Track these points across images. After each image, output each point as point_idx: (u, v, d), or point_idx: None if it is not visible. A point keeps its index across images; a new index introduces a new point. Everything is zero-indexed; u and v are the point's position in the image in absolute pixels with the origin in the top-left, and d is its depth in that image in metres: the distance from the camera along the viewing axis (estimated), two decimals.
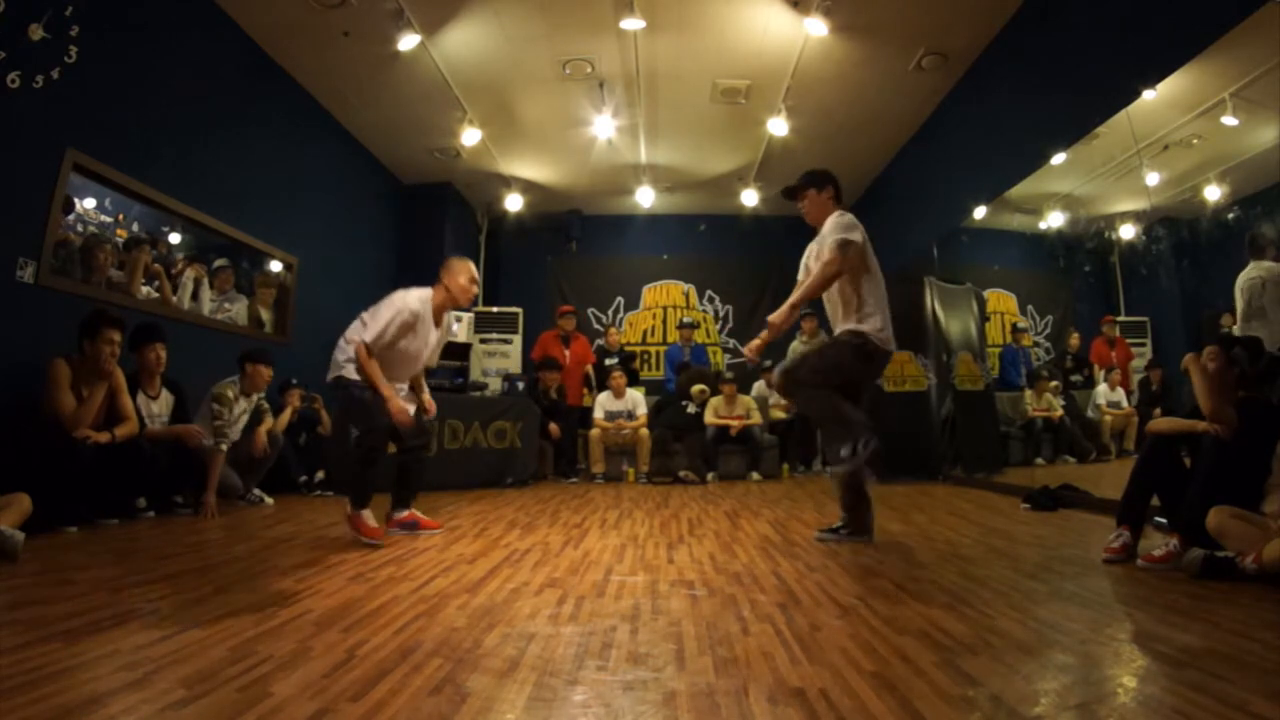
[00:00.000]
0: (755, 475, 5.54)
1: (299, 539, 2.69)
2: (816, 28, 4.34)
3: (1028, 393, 5.11)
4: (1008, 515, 3.35)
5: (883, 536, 2.70)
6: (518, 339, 7.45)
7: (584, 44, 4.78)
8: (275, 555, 2.36)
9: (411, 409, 2.83)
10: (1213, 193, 3.47)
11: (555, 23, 4.55)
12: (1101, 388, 4.72)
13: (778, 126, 5.55)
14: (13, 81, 2.92)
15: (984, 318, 5.48)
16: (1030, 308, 5.49)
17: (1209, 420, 2.19)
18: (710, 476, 5.45)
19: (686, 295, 8.25)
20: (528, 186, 7.23)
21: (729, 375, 6.04)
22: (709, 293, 8.26)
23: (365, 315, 2.79)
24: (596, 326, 7.94)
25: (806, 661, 1.33)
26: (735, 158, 6.67)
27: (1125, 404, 4.60)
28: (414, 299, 2.78)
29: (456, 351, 5.75)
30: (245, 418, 3.75)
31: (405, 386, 2.95)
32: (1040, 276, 5.45)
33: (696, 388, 5.85)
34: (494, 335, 7.42)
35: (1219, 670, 1.24)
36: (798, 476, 5.85)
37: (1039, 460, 4.89)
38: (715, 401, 5.76)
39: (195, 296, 4.29)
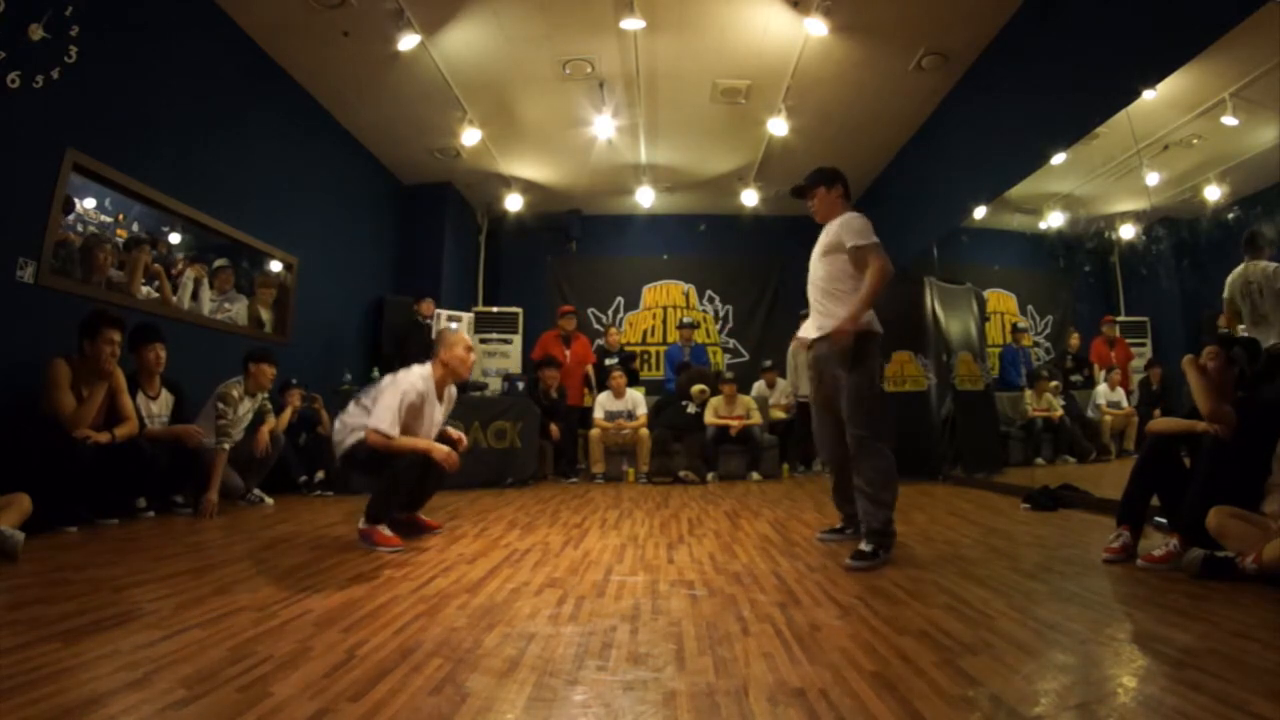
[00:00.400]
0: (755, 475, 5.54)
1: (299, 539, 2.69)
2: (816, 28, 4.34)
3: (1028, 393, 5.11)
4: (1008, 515, 3.35)
5: None
6: (518, 339, 7.45)
7: (584, 44, 4.78)
8: (275, 555, 2.36)
9: (440, 425, 2.86)
10: (1213, 193, 3.48)
11: (555, 23, 4.55)
12: (1101, 388, 4.72)
13: (778, 126, 5.55)
14: (13, 81, 2.92)
15: (984, 318, 5.48)
16: (1030, 308, 5.49)
17: (1208, 420, 2.19)
18: (710, 476, 5.45)
19: (686, 295, 8.25)
20: (528, 186, 7.23)
21: (729, 375, 6.04)
22: (709, 293, 8.26)
23: (365, 400, 2.71)
24: (596, 326, 7.94)
25: (806, 661, 1.33)
26: (735, 158, 6.67)
27: (1125, 404, 4.60)
28: (417, 379, 2.71)
29: None
30: (249, 417, 3.75)
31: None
32: (1040, 276, 5.45)
33: (696, 388, 5.85)
34: (494, 335, 7.42)
35: (1219, 670, 1.24)
36: (798, 476, 5.84)
37: (1039, 460, 4.89)
38: (715, 401, 5.76)
39: (195, 296, 4.29)
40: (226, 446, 3.40)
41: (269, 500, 3.78)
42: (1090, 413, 4.79)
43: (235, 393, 3.56)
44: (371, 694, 1.15)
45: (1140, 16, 3.29)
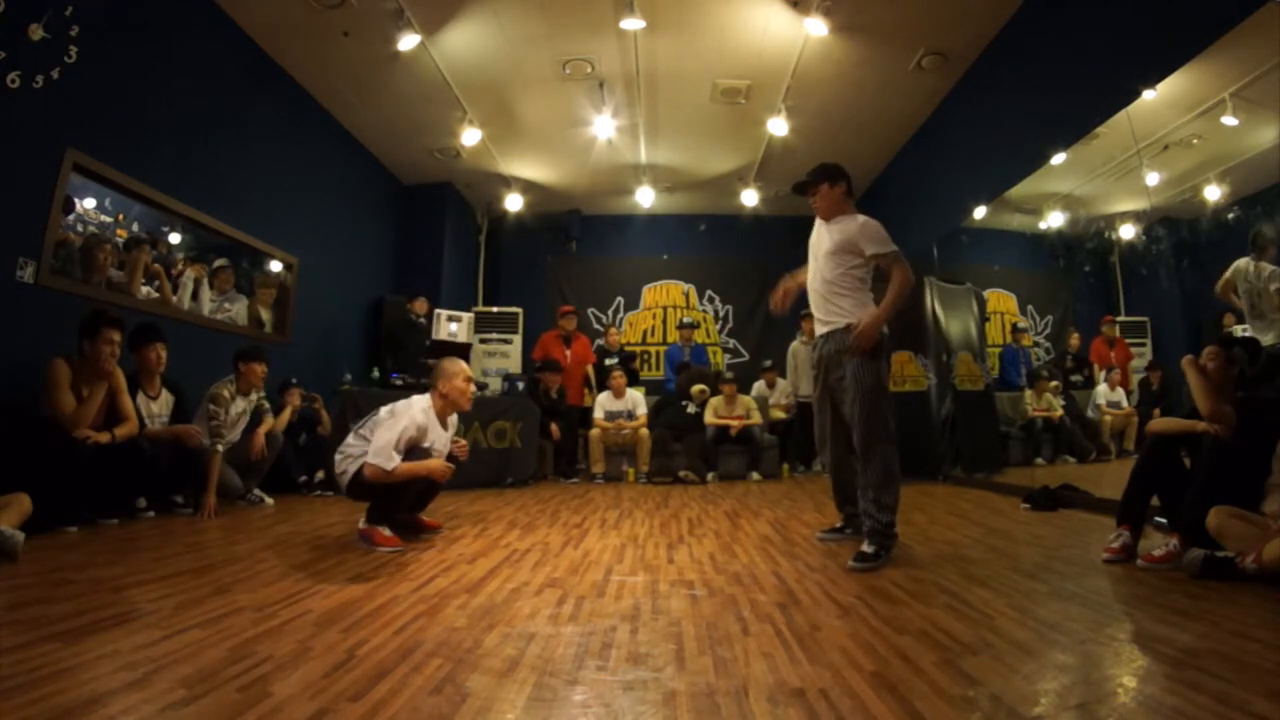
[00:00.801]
0: (755, 475, 5.54)
1: (299, 539, 2.69)
2: (816, 28, 4.34)
3: (1028, 393, 5.11)
4: (1008, 515, 3.35)
5: None
6: (518, 339, 7.46)
7: (584, 44, 4.78)
8: (275, 555, 2.35)
9: (445, 450, 2.84)
10: (1213, 193, 3.48)
11: (555, 23, 4.55)
12: (1101, 388, 4.72)
13: (778, 126, 5.55)
14: (13, 81, 2.92)
15: (984, 318, 5.48)
16: (1030, 308, 5.49)
17: (1208, 420, 2.19)
18: (710, 476, 5.45)
19: (686, 295, 8.25)
20: (528, 186, 7.23)
21: (729, 375, 6.04)
22: (709, 293, 8.26)
23: (363, 431, 2.69)
24: (596, 326, 7.94)
25: (806, 661, 1.33)
26: (735, 158, 6.67)
27: (1125, 404, 4.60)
28: (417, 411, 2.67)
29: (456, 352, 5.75)
30: (245, 418, 3.75)
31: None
32: (1040, 276, 5.45)
33: (696, 388, 5.85)
34: (494, 335, 7.43)
35: (1219, 670, 1.24)
36: (798, 476, 5.84)
37: (1039, 460, 4.89)
38: (715, 401, 5.76)
39: (195, 296, 4.29)
40: (220, 447, 3.38)
41: (269, 500, 3.78)
42: (1090, 413, 4.79)
43: (226, 392, 3.56)
44: (371, 694, 1.15)
45: (1140, 16, 3.29)
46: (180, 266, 4.25)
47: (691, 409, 5.77)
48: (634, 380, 6.39)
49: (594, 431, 5.56)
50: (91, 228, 3.66)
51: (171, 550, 2.40)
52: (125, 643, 1.38)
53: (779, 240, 7.66)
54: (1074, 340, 5.15)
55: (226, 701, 1.11)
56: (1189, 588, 1.86)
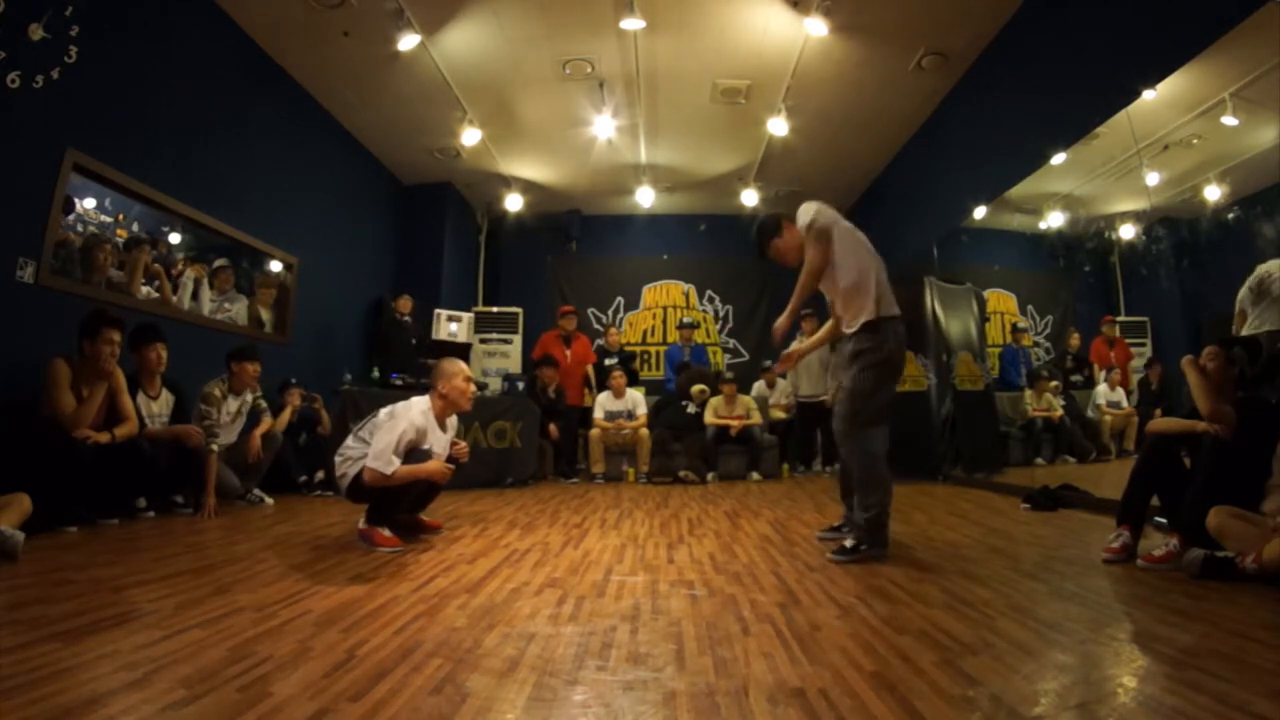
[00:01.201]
0: (755, 475, 5.54)
1: (299, 539, 2.69)
2: (816, 28, 4.34)
3: (1028, 393, 5.11)
4: (1008, 515, 3.35)
5: None
6: (518, 339, 7.46)
7: (584, 44, 4.78)
8: (275, 555, 2.35)
9: (445, 453, 2.84)
10: (1213, 193, 3.48)
11: (555, 23, 4.55)
12: (1101, 388, 4.72)
13: (778, 126, 5.55)
14: (13, 81, 2.92)
15: (984, 318, 5.48)
16: (1030, 308, 5.49)
17: (1208, 420, 2.19)
18: (710, 476, 5.45)
19: (686, 295, 8.25)
20: (528, 186, 7.23)
21: (729, 375, 6.04)
22: (709, 293, 8.26)
23: (362, 433, 2.69)
24: (596, 326, 7.94)
25: (806, 661, 1.33)
26: (735, 158, 6.67)
27: (1125, 404, 4.60)
28: (416, 413, 2.66)
29: (456, 352, 5.75)
30: (242, 418, 3.74)
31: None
32: (1040, 276, 5.45)
33: (696, 388, 5.85)
34: (494, 335, 7.44)
35: (1219, 670, 1.24)
36: (798, 476, 5.84)
37: (1039, 460, 4.89)
38: (715, 401, 5.76)
39: (195, 296, 4.29)
40: (215, 447, 3.36)
41: (269, 500, 3.78)
42: (1090, 413, 4.79)
43: (217, 392, 3.55)
44: (371, 694, 1.15)
45: (1140, 16, 3.29)
46: (180, 266, 4.26)
47: (691, 409, 5.77)
48: (634, 380, 6.39)
49: (594, 431, 5.56)
50: (91, 228, 3.66)
51: (171, 550, 2.40)
52: (125, 643, 1.38)
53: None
54: (1074, 340, 5.14)
55: (226, 701, 1.11)
56: (1189, 588, 1.86)
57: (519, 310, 7.59)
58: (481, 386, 5.61)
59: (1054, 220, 4.77)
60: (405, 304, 6.21)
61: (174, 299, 4.09)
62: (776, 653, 1.38)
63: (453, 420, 2.97)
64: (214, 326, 4.37)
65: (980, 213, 4.98)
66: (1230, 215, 3.38)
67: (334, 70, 5.03)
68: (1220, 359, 2.29)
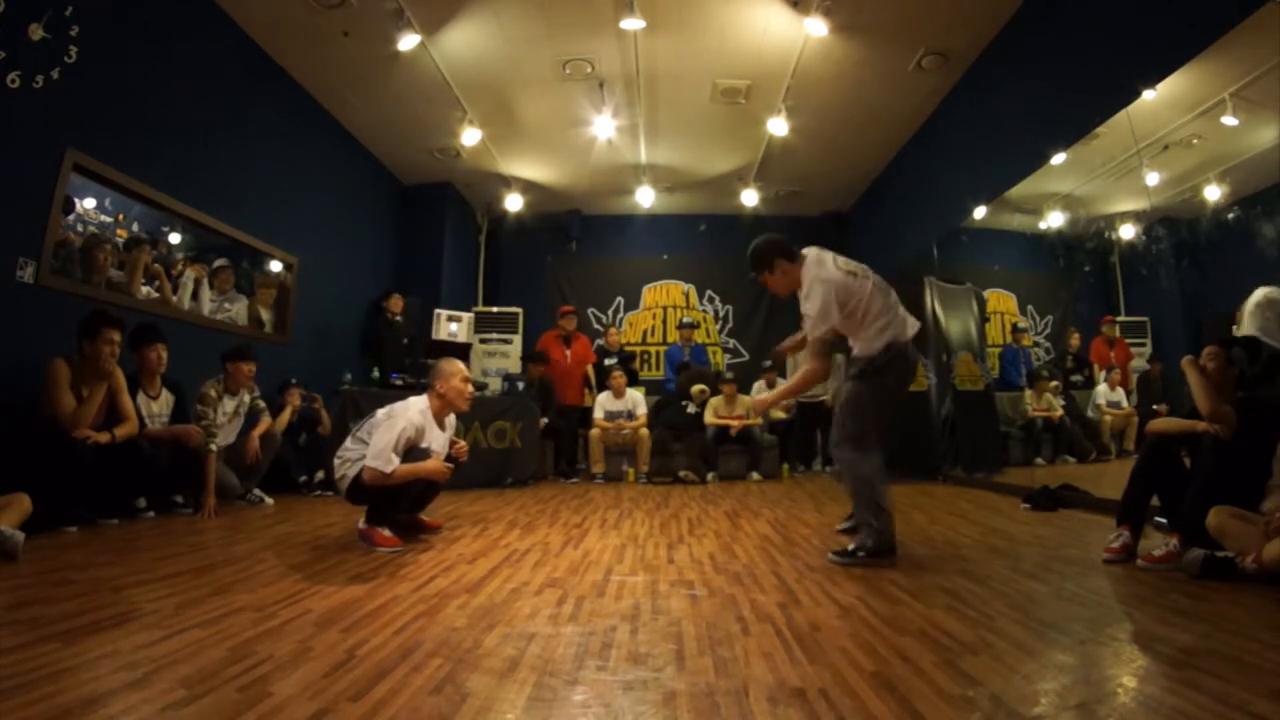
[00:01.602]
0: (755, 475, 5.54)
1: (299, 539, 2.69)
2: (816, 28, 4.34)
3: (1028, 393, 5.11)
4: (1008, 515, 3.35)
5: None
6: (518, 339, 7.45)
7: (584, 44, 4.78)
8: (275, 555, 2.35)
9: (444, 452, 2.84)
10: (1213, 193, 3.48)
11: (555, 23, 4.54)
12: (1101, 388, 4.72)
13: (778, 126, 5.55)
14: (13, 81, 2.92)
15: (984, 318, 5.48)
16: (1030, 308, 5.48)
17: (1208, 420, 2.19)
18: (710, 476, 5.45)
19: (686, 295, 8.25)
20: (528, 186, 7.23)
21: (729, 375, 6.04)
22: (709, 293, 8.26)
23: (361, 433, 2.69)
24: (596, 326, 7.94)
25: (806, 661, 1.33)
26: (735, 158, 6.67)
27: (1125, 404, 4.60)
28: (415, 412, 2.67)
29: (456, 352, 5.75)
30: (239, 418, 3.74)
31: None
32: (1040, 276, 5.45)
33: (696, 388, 5.85)
34: (494, 335, 7.43)
35: (1219, 670, 1.24)
36: (798, 476, 5.84)
37: (1039, 460, 4.89)
38: (715, 401, 5.76)
39: (195, 296, 4.29)
40: (212, 447, 3.36)
41: (269, 500, 3.78)
42: (1090, 413, 4.79)
43: (213, 392, 3.55)
44: (371, 694, 1.15)
45: (1140, 16, 3.29)
46: (180, 266, 4.25)
47: (691, 409, 5.77)
48: (634, 380, 6.40)
49: (594, 431, 5.56)
50: (91, 228, 3.66)
51: (171, 550, 2.40)
52: (125, 643, 1.38)
53: None
54: (1074, 340, 5.14)
55: (226, 701, 1.11)
56: (1189, 588, 1.86)
57: (519, 310, 7.58)
58: (481, 387, 5.61)
59: (1054, 220, 4.77)
60: (396, 303, 6.17)
61: (174, 299, 4.09)
62: (776, 653, 1.38)
63: (451, 419, 2.98)
64: (214, 326, 4.37)
65: (980, 213, 4.97)
66: (1230, 215, 3.38)
67: (334, 70, 5.02)
68: (1220, 359, 2.29)
